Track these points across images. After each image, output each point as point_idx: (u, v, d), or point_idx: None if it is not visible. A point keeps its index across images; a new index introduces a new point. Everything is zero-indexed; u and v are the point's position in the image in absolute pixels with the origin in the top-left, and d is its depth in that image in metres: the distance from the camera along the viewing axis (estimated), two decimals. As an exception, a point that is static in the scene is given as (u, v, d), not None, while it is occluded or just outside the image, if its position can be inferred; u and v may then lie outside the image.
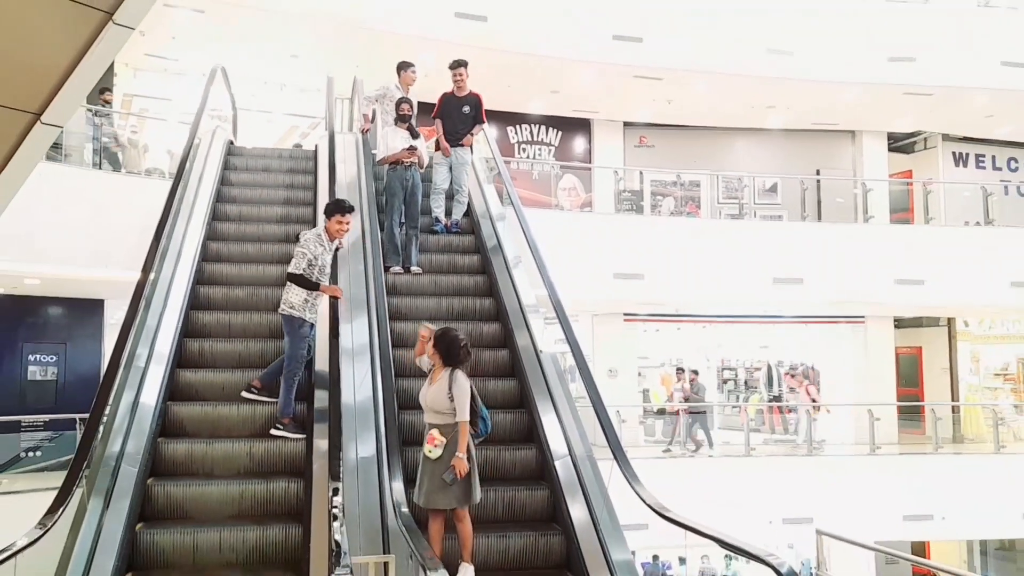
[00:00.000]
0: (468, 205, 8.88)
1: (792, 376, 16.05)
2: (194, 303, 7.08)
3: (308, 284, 6.12)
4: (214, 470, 5.61)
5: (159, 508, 5.22)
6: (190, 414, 6.03)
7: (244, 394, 6.16)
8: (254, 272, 7.65)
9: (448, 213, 8.70)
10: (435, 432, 4.81)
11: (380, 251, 7.75)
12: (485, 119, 9.02)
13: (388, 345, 6.36)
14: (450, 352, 4.98)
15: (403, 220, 8.02)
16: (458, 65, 8.79)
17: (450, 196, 8.77)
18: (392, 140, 8.15)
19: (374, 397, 5.80)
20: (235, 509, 5.31)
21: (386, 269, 7.57)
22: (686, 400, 14.41)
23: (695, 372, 14.43)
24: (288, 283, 6.13)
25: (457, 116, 8.75)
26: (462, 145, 8.73)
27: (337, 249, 6.59)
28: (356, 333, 6.36)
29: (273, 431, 5.90)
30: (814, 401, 15.22)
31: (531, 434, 6.05)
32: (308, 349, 6.17)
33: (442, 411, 4.86)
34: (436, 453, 4.77)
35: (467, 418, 4.87)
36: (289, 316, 6.08)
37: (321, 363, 6.10)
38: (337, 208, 6.35)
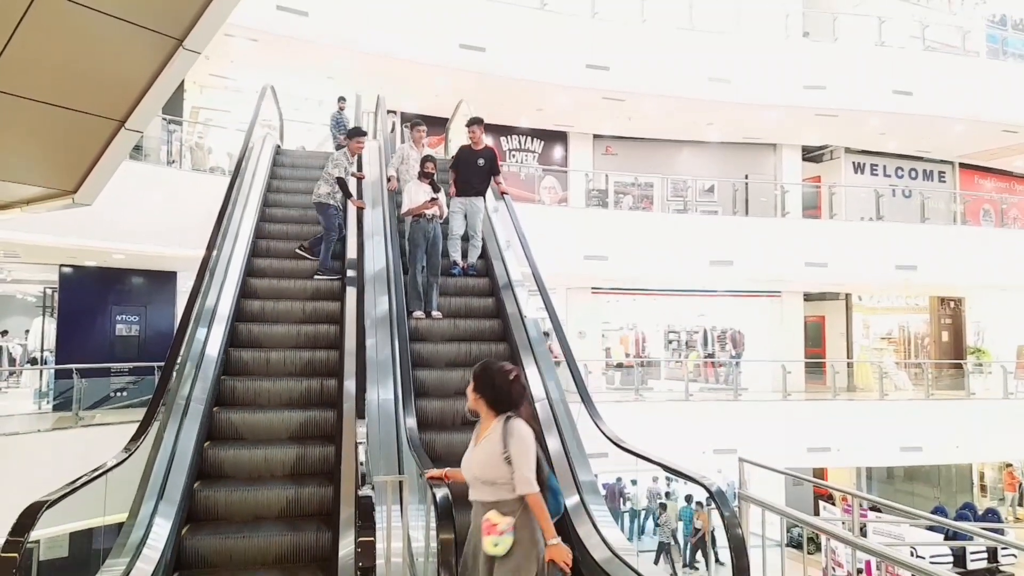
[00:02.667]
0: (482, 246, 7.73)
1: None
2: (249, 271, 7.14)
3: (344, 189, 7.18)
4: (278, 319, 6.57)
5: (243, 340, 6.25)
6: (261, 286, 7.00)
7: (296, 250, 7.25)
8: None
9: (464, 255, 7.63)
10: (493, 515, 2.69)
11: (395, 206, 7.79)
12: (500, 170, 7.89)
13: (404, 312, 6.32)
14: (498, 391, 2.91)
15: (424, 266, 7.03)
16: (473, 123, 7.63)
17: (466, 239, 7.69)
18: (416, 194, 7.19)
19: (392, 354, 5.76)
20: (294, 342, 6.30)
21: (409, 314, 6.62)
22: None
23: None
24: (320, 180, 7.25)
25: (472, 168, 7.59)
26: (477, 195, 7.63)
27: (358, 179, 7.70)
28: (378, 303, 6.34)
29: (316, 277, 7.04)
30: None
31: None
32: (339, 228, 7.27)
33: (497, 481, 2.77)
34: (504, 546, 2.62)
35: (535, 488, 2.75)
36: (320, 203, 7.23)
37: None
38: (357, 133, 7.77)
